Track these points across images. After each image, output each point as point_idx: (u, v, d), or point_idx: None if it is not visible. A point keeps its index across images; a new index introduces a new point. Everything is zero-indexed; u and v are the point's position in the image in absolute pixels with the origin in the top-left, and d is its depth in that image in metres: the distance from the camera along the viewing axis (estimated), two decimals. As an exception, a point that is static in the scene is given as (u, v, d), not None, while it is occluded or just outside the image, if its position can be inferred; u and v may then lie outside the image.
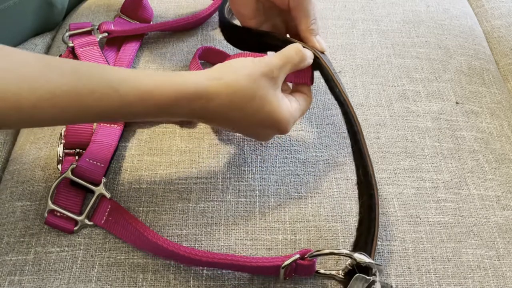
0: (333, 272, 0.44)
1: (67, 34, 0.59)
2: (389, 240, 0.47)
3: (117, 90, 0.37)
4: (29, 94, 0.34)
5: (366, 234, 0.44)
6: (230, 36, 0.56)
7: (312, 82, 0.49)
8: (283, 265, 0.42)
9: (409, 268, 0.46)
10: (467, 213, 0.50)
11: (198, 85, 0.40)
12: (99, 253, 0.46)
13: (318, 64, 0.48)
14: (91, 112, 0.37)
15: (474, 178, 0.52)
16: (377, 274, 0.42)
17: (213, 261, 0.43)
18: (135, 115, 0.40)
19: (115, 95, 0.37)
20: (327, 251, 0.43)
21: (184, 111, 0.41)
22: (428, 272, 0.46)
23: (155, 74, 0.42)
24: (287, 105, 0.45)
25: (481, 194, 0.51)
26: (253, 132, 0.47)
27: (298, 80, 0.48)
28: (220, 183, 0.51)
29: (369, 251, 0.43)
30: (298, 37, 0.50)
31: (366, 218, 0.45)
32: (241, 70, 0.42)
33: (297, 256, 0.43)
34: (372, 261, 0.41)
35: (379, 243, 0.47)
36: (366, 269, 0.42)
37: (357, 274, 0.42)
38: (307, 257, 0.43)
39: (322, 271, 0.45)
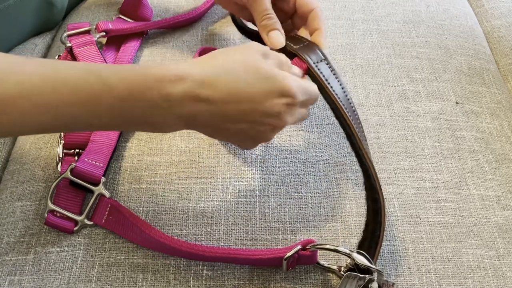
0: (334, 267, 0.45)
1: (65, 34, 0.59)
2: (389, 240, 0.47)
3: (99, 75, 0.34)
4: None
5: (371, 237, 0.44)
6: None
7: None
8: (285, 256, 0.43)
9: (409, 268, 0.46)
10: (467, 213, 0.50)
11: (182, 66, 0.37)
12: (99, 253, 0.46)
13: (310, 73, 0.47)
14: (68, 106, 0.34)
15: (474, 178, 0.52)
16: (375, 276, 0.41)
17: (215, 256, 0.43)
18: (121, 107, 0.35)
19: (94, 81, 0.34)
20: (329, 246, 0.43)
21: (172, 93, 0.36)
22: (428, 272, 0.46)
23: (136, 65, 0.39)
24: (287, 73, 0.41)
25: (481, 194, 0.51)
26: (262, 111, 0.39)
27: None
28: (220, 183, 0.51)
29: (372, 255, 0.43)
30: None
31: (371, 222, 0.45)
32: (229, 50, 0.40)
33: (299, 247, 0.43)
34: (371, 265, 0.41)
35: (379, 243, 0.47)
36: (366, 271, 0.42)
37: (348, 272, 0.42)
38: (309, 248, 0.43)
39: (324, 263, 0.45)
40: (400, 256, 0.47)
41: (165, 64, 0.38)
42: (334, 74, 0.47)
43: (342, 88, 0.47)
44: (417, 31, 0.66)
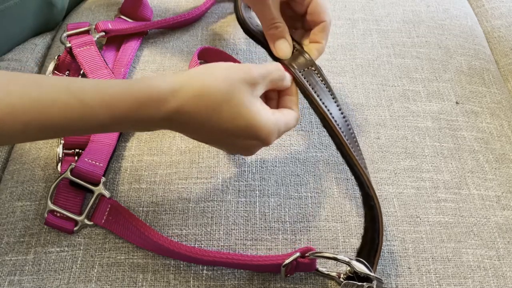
0: (334, 274, 0.44)
1: (64, 34, 0.59)
2: (389, 240, 0.47)
3: (81, 99, 0.36)
4: None
5: (370, 245, 0.44)
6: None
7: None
8: (283, 263, 0.42)
9: (409, 268, 0.46)
10: (467, 213, 0.50)
11: (166, 86, 0.38)
12: (99, 253, 0.46)
13: (295, 81, 0.46)
14: (55, 125, 0.35)
15: (474, 178, 0.52)
16: (375, 284, 0.41)
17: (214, 260, 0.43)
18: (102, 125, 0.37)
19: (78, 104, 0.36)
20: (328, 254, 0.42)
21: (154, 116, 0.38)
22: (428, 272, 0.46)
23: (122, 81, 0.40)
24: (268, 113, 0.41)
25: (481, 194, 0.51)
26: (232, 143, 0.42)
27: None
28: (220, 183, 0.51)
29: (371, 262, 0.42)
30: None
31: (370, 229, 0.44)
32: (217, 72, 0.40)
33: (298, 254, 0.43)
34: (370, 273, 0.41)
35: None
36: (365, 279, 0.42)
37: (345, 281, 0.42)
38: (308, 255, 0.43)
39: (323, 270, 0.45)
40: (400, 256, 0.47)
41: (151, 80, 0.39)
42: (322, 81, 0.46)
43: (331, 95, 0.46)
44: (417, 31, 0.66)
